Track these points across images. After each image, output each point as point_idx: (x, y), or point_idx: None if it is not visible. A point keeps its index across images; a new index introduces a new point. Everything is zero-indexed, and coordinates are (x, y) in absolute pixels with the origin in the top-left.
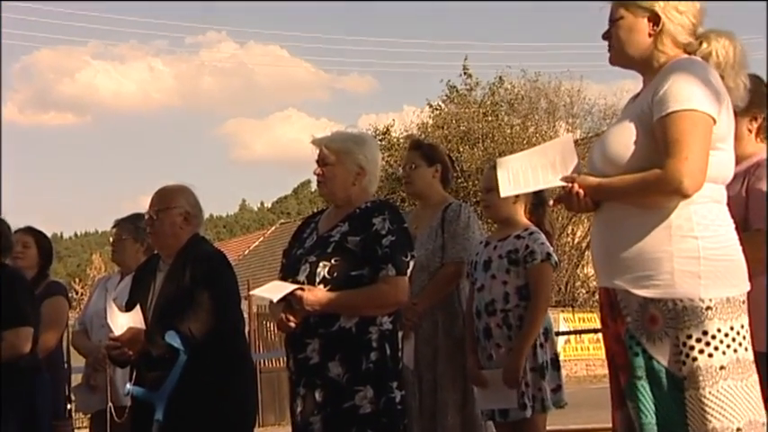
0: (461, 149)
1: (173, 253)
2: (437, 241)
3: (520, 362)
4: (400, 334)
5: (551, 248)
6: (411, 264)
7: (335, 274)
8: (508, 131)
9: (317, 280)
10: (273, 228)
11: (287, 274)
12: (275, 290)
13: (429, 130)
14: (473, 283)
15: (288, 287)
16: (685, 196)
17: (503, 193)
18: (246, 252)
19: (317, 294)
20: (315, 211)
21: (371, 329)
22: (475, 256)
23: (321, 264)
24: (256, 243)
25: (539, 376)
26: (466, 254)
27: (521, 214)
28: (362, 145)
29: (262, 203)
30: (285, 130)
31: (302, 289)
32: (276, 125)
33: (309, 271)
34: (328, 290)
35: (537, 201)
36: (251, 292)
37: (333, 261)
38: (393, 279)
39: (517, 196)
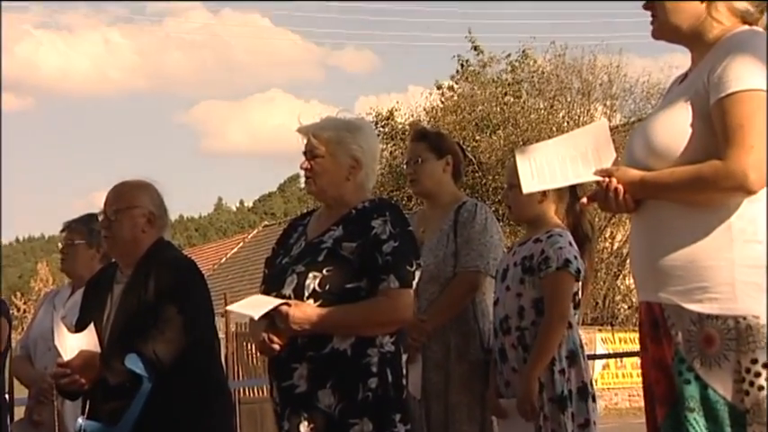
0: (478, 138)
1: (133, 261)
2: (449, 247)
3: (530, 389)
4: (405, 357)
5: (575, 253)
6: (417, 274)
7: (327, 287)
8: (533, 116)
9: (306, 294)
10: (255, 231)
11: (270, 286)
12: (256, 305)
13: (439, 114)
14: (494, 296)
15: (271, 302)
16: (750, 192)
17: (525, 189)
18: (223, 260)
19: (305, 310)
20: (304, 211)
21: (370, 352)
22: (499, 265)
23: (310, 275)
24: (235, 249)
25: (558, 408)
26: (483, 262)
27: (551, 215)
28: (358, 133)
29: (241, 202)
30: (268, 116)
31: (288, 304)
32: (257, 109)
33: (297, 283)
34: (319, 305)
35: (574, 198)
36: (228, 308)
37: (324, 271)
38: (395, 292)
39: (545, 193)
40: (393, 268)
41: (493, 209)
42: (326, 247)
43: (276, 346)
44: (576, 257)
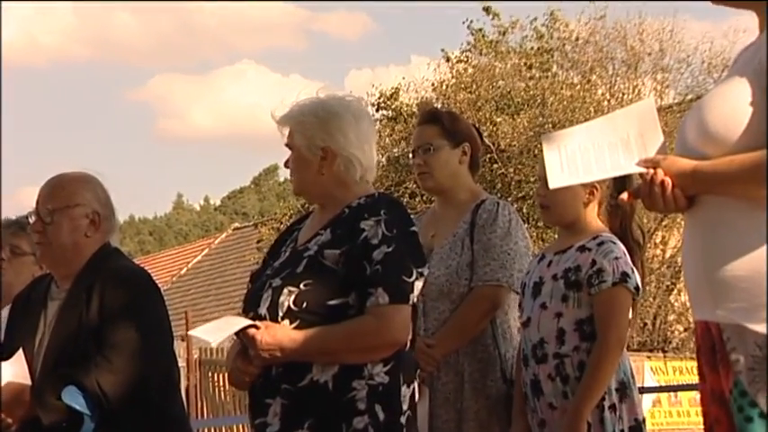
0: (497, 120)
1: (72, 272)
2: (463, 256)
3: (578, 429)
4: (406, 390)
5: (632, 266)
6: (418, 285)
7: (305, 305)
8: (565, 93)
9: (281, 313)
10: (223, 235)
11: (248, 305)
12: (221, 328)
13: (450, 91)
14: (521, 316)
15: (237, 324)
16: None
17: (552, 184)
18: (183, 270)
19: (274, 334)
20: (283, 210)
21: (356, 385)
22: (525, 276)
23: (285, 290)
24: (198, 257)
25: None
26: (505, 274)
27: (593, 216)
28: (326, 116)
29: (206, 200)
30: (238, 93)
31: (256, 327)
32: (225, 84)
33: (271, 301)
34: (295, 327)
35: (618, 195)
36: (190, 333)
37: (302, 286)
38: (384, 309)
39: (592, 190)
40: (382, 280)
41: (515, 207)
42: (308, 256)
43: (246, 377)
44: (633, 271)
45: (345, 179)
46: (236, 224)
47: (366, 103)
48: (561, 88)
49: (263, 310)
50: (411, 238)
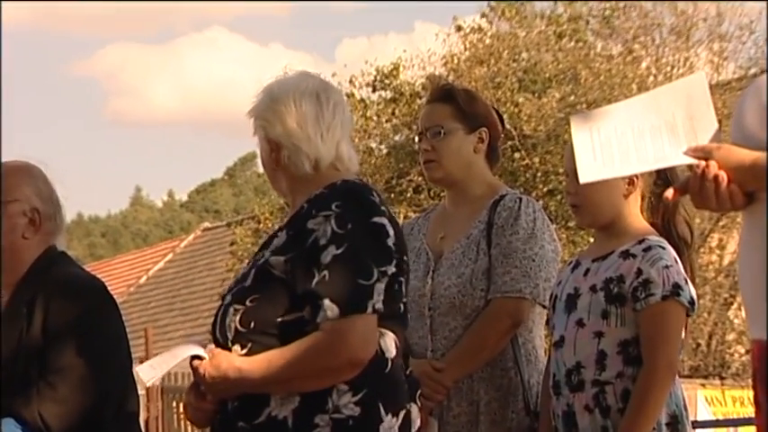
0: (520, 100)
1: (10, 281)
2: (479, 262)
3: None
4: (391, 421)
5: (685, 276)
6: (379, 289)
7: (253, 324)
8: (601, 67)
9: (230, 336)
10: (191, 237)
11: (212, 329)
12: (165, 361)
13: (463, 66)
14: (551, 334)
15: (179, 356)
16: None
17: (582, 176)
18: (143, 279)
19: (219, 364)
20: (262, 206)
21: (319, 420)
22: (556, 287)
23: (231, 309)
24: (160, 264)
25: None
26: (530, 284)
27: (635, 212)
28: (269, 101)
29: (170, 195)
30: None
31: (200, 357)
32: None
33: (220, 322)
34: (246, 352)
35: (662, 187)
36: (137, 369)
37: (248, 302)
38: (336, 324)
39: (632, 181)
40: (330, 289)
41: (541, 203)
42: (258, 265)
43: (200, 414)
44: (686, 281)
45: (295, 173)
46: (207, 224)
47: (359, 81)
48: (597, 62)
49: (218, 335)
50: (371, 232)
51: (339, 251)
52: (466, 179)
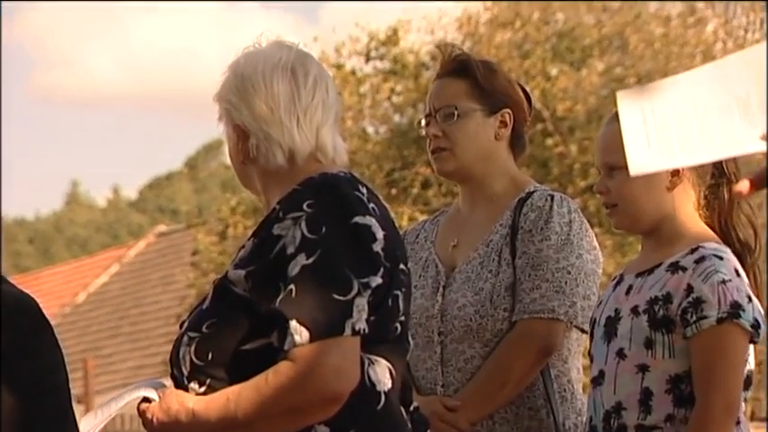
0: (552, 73)
1: None
2: (501, 275)
3: None
4: None
5: (748, 292)
6: (360, 305)
7: (210, 356)
8: (658, 31)
9: (185, 371)
10: (143, 243)
11: (170, 361)
12: (110, 406)
13: (482, 30)
14: (590, 367)
15: (129, 396)
16: None
17: (633, 167)
18: (82, 297)
19: (168, 407)
20: (232, 205)
21: None
22: (596, 309)
23: (185, 338)
24: (104, 277)
25: None
26: (564, 302)
27: (688, 213)
28: (235, 79)
29: (115, 191)
30: (161, 29)
31: (149, 399)
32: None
33: (175, 354)
34: (204, 390)
35: (720, 180)
36: (82, 421)
37: (204, 329)
38: (305, 351)
39: (677, 173)
40: (297, 307)
41: (578, 202)
42: (216, 284)
43: None
44: (750, 299)
45: (266, 167)
46: (162, 227)
47: (348, 48)
48: (651, 24)
49: (174, 370)
50: (351, 235)
51: (309, 260)
52: (484, 173)
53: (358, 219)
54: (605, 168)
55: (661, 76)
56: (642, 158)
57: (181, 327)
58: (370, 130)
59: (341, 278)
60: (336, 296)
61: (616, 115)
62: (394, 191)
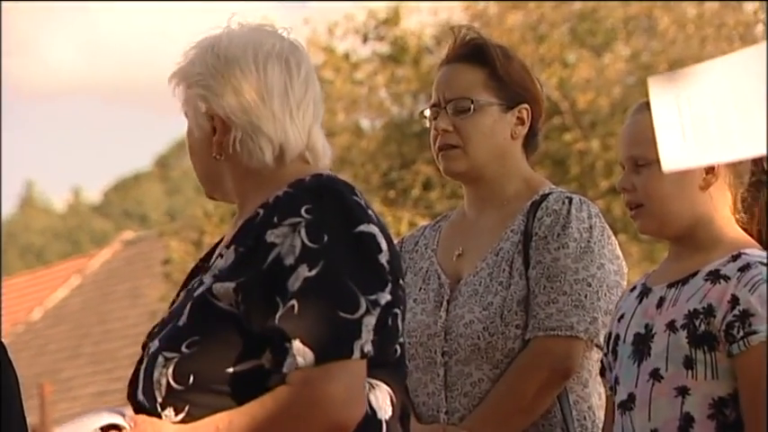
0: (571, 60)
1: None
2: (513, 287)
3: None
4: None
5: None
6: (368, 324)
7: (192, 379)
8: (691, 12)
9: (159, 398)
10: (108, 252)
11: (130, 388)
12: None
13: (492, 10)
14: (611, 392)
15: (92, 423)
16: None
17: (667, 163)
18: (38, 314)
19: None
20: (208, 209)
21: None
22: (615, 323)
23: (160, 358)
24: (63, 291)
25: None
26: (584, 318)
27: (725, 216)
28: (216, 62)
29: (76, 193)
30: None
31: (116, 427)
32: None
33: (145, 377)
34: (182, 419)
35: (758, 179)
36: None
37: (184, 348)
38: (309, 375)
39: (711, 170)
40: (301, 325)
41: (600, 205)
42: (196, 296)
43: None
44: None
45: (249, 165)
46: (129, 233)
47: (342, 28)
48: (683, 3)
49: (140, 395)
50: (357, 245)
51: (312, 272)
52: (496, 174)
53: (362, 227)
54: (630, 163)
55: (694, 62)
56: (677, 152)
57: (144, 347)
58: (365, 123)
59: (347, 294)
60: (343, 314)
61: (644, 104)
62: (392, 193)
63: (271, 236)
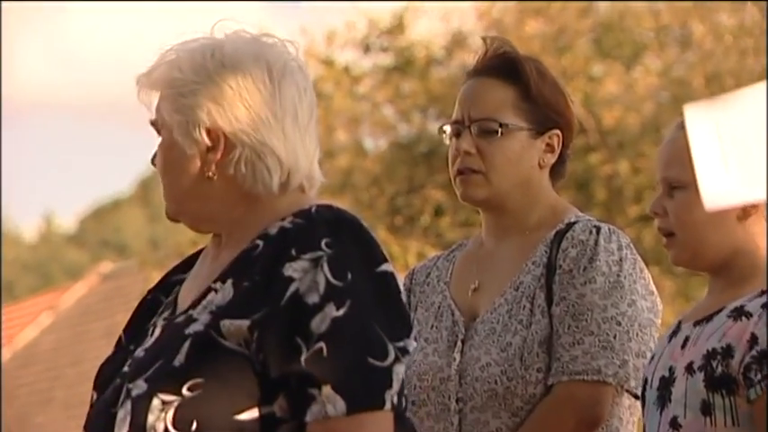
0: (596, 72)
1: None
2: (534, 326)
3: None
4: None
5: None
6: (398, 373)
7: (195, 425)
8: (730, 22)
9: None
10: (83, 286)
11: (92, 425)
12: None
13: (509, 18)
14: None
15: None
16: None
17: (710, 200)
18: (6, 354)
19: None
20: (193, 238)
21: None
22: (648, 366)
23: (157, 401)
24: (32, 330)
25: None
26: (613, 361)
27: (760, 249)
28: (219, 69)
29: (47, 220)
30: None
31: None
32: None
33: (132, 422)
34: None
35: None
36: None
37: (185, 390)
38: (340, 426)
39: (747, 210)
40: (331, 371)
41: (631, 234)
42: (193, 333)
43: None
44: None
45: (252, 188)
46: (108, 264)
47: (342, 38)
48: (720, 11)
49: None
50: (381, 287)
51: (340, 312)
52: (520, 203)
53: (385, 267)
54: (664, 184)
55: (734, 76)
56: (719, 188)
57: (119, 390)
58: (368, 142)
59: (376, 339)
60: (373, 361)
61: (678, 129)
62: (398, 220)
63: (289, 269)
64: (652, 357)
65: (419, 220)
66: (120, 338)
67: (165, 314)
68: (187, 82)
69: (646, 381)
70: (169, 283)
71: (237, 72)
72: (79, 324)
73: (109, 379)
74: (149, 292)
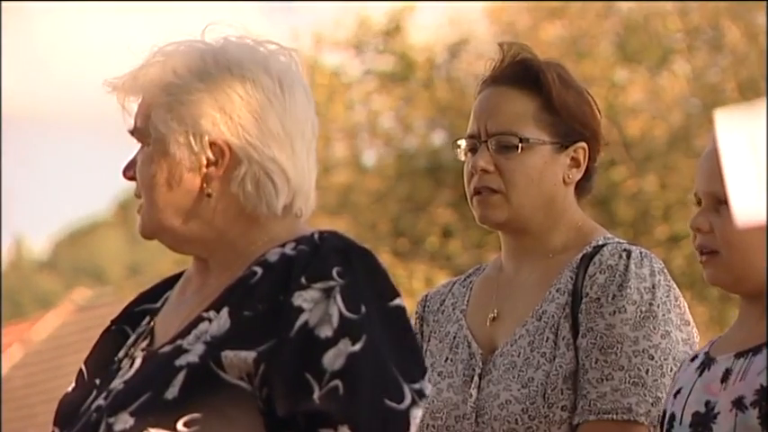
0: (619, 78)
1: None
2: (558, 359)
3: None
4: None
5: None
6: (416, 417)
7: None
8: (761, 20)
9: None
10: (57, 317)
11: None
12: None
13: (524, 21)
14: None
15: None
16: None
17: (741, 216)
18: None
19: None
20: (178, 262)
21: None
22: (671, 399)
23: None
24: (5, 367)
25: None
26: (644, 398)
27: None
28: (222, 75)
29: (18, 244)
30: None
31: None
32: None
33: None
34: None
35: None
36: None
37: (181, 426)
38: None
39: None
40: (347, 410)
41: (662, 257)
42: (187, 365)
43: None
44: None
45: (255, 208)
46: (83, 291)
47: (333, 39)
48: (753, 11)
49: None
50: (391, 323)
51: (356, 348)
52: (543, 225)
53: (398, 301)
54: (711, 199)
55: None
56: (752, 204)
57: (96, 425)
58: (368, 158)
59: (392, 380)
60: (390, 403)
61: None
62: (403, 242)
63: (298, 299)
64: (678, 391)
65: (426, 243)
66: (80, 371)
67: (143, 345)
68: (189, 88)
69: (672, 417)
70: (133, 314)
71: (246, 80)
72: (52, 358)
73: (73, 415)
74: (112, 322)
